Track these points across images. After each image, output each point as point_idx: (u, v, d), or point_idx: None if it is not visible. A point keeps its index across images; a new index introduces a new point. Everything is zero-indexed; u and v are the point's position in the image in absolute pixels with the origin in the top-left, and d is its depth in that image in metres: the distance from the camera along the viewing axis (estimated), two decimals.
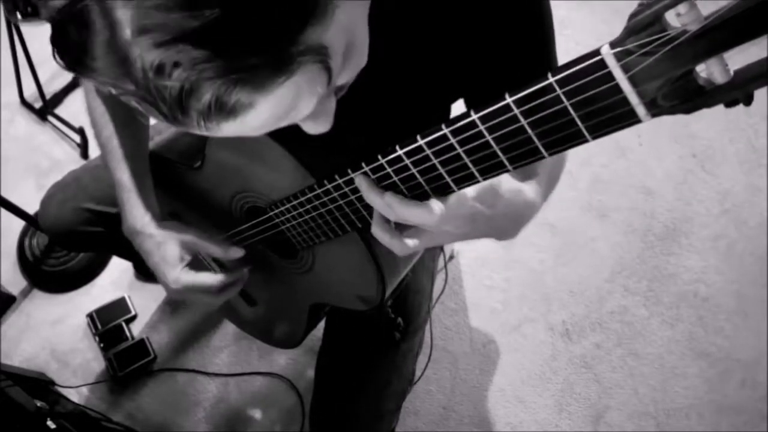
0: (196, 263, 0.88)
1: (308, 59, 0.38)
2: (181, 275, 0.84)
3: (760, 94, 0.36)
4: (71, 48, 0.37)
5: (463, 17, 0.65)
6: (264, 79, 0.37)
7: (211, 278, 0.85)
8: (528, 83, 0.41)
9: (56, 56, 0.39)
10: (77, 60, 0.37)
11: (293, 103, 0.41)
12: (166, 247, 0.84)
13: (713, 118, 1.79)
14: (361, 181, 0.55)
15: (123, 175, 0.85)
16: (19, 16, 1.41)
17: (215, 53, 0.34)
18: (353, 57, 0.45)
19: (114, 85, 0.38)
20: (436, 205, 0.52)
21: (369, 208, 0.61)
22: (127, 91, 0.38)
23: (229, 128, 0.40)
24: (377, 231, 0.57)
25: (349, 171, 0.58)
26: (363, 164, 0.56)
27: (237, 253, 0.85)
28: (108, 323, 1.60)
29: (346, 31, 0.42)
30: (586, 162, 1.75)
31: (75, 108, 1.97)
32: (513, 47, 0.67)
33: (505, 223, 0.57)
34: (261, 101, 0.38)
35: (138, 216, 0.85)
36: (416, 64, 0.70)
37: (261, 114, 0.39)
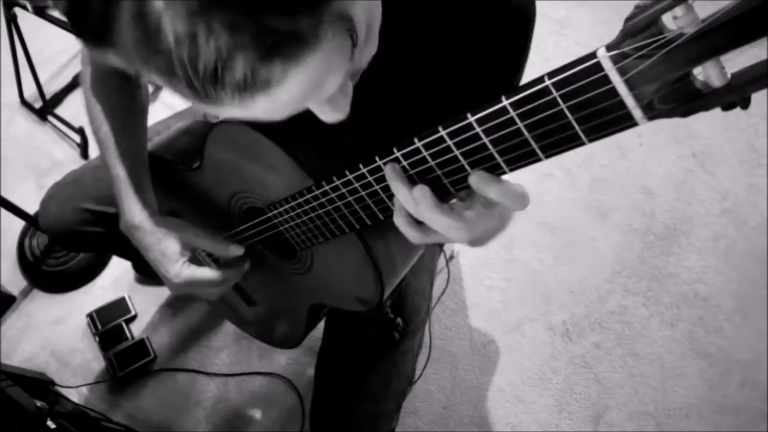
0: (193, 259, 0.88)
1: (337, 28, 0.38)
2: (183, 270, 0.84)
3: (759, 93, 0.35)
4: (92, 20, 0.35)
5: (453, 32, 0.67)
6: (296, 47, 0.36)
7: (211, 272, 0.85)
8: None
9: (74, 29, 0.37)
10: (98, 34, 0.35)
11: (323, 76, 0.40)
12: (166, 243, 0.84)
13: (713, 118, 1.79)
14: (389, 170, 0.54)
15: (120, 171, 0.85)
16: None
17: (250, 18, 0.33)
18: (371, 38, 0.45)
19: (137, 60, 0.36)
20: (468, 214, 0.51)
21: (367, 209, 0.61)
22: (151, 67, 0.36)
23: (261, 104, 0.39)
24: (399, 220, 0.56)
25: (347, 173, 0.58)
26: (360, 166, 0.56)
27: (237, 251, 0.85)
28: (108, 323, 1.60)
29: (368, 9, 0.42)
30: (586, 162, 1.75)
31: (75, 108, 1.97)
32: (487, 68, 0.69)
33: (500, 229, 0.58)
34: (293, 73, 0.37)
35: (136, 211, 0.85)
36: (412, 67, 0.70)
37: (293, 86, 0.38)
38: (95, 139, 0.89)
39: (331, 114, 0.49)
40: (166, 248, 0.84)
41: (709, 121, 1.77)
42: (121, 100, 0.90)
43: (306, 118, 0.72)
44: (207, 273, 0.85)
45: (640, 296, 1.59)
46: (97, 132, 0.88)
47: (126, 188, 0.85)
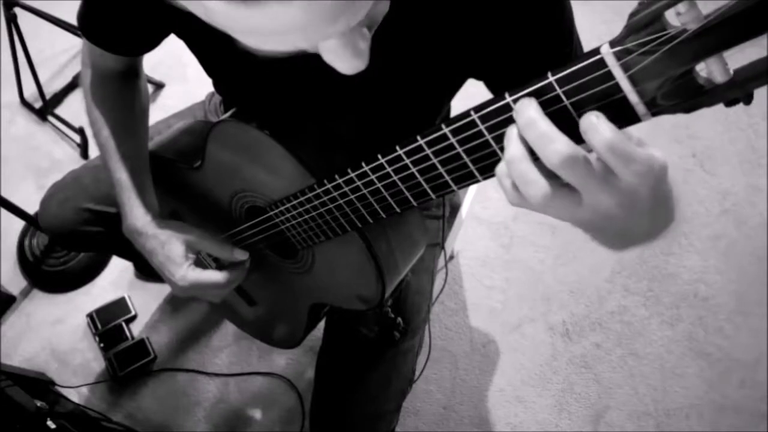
0: (196, 262, 0.88)
1: None
2: (188, 273, 0.84)
3: (760, 93, 0.36)
4: None
5: (477, 7, 0.62)
6: None
7: (216, 275, 0.85)
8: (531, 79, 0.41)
9: None
10: None
11: None
12: (170, 246, 0.84)
13: (713, 118, 1.79)
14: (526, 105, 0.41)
15: (122, 174, 0.85)
16: None
17: None
18: None
19: None
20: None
21: (369, 207, 0.61)
22: None
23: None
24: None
25: (349, 171, 0.58)
26: (363, 164, 0.56)
27: (242, 255, 0.85)
28: (108, 323, 1.59)
29: None
30: None
31: (75, 108, 1.97)
32: (531, 33, 0.62)
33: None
34: None
35: (139, 215, 0.85)
36: (417, 55, 0.69)
37: None
38: (96, 143, 0.89)
39: (351, 60, 0.45)
40: (170, 252, 0.83)
41: (710, 122, 1.77)
42: (121, 103, 0.90)
43: (306, 116, 0.72)
44: (211, 276, 0.85)
45: (640, 296, 1.59)
46: (97, 136, 0.88)
47: (128, 193, 0.85)
